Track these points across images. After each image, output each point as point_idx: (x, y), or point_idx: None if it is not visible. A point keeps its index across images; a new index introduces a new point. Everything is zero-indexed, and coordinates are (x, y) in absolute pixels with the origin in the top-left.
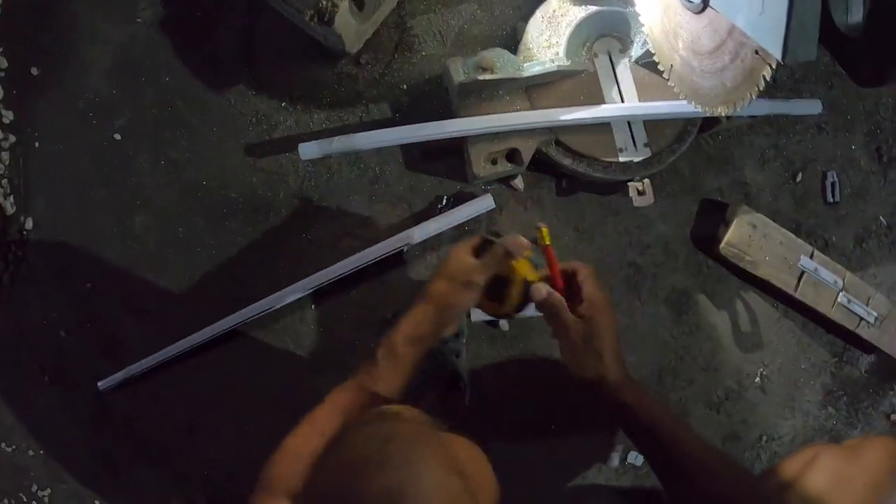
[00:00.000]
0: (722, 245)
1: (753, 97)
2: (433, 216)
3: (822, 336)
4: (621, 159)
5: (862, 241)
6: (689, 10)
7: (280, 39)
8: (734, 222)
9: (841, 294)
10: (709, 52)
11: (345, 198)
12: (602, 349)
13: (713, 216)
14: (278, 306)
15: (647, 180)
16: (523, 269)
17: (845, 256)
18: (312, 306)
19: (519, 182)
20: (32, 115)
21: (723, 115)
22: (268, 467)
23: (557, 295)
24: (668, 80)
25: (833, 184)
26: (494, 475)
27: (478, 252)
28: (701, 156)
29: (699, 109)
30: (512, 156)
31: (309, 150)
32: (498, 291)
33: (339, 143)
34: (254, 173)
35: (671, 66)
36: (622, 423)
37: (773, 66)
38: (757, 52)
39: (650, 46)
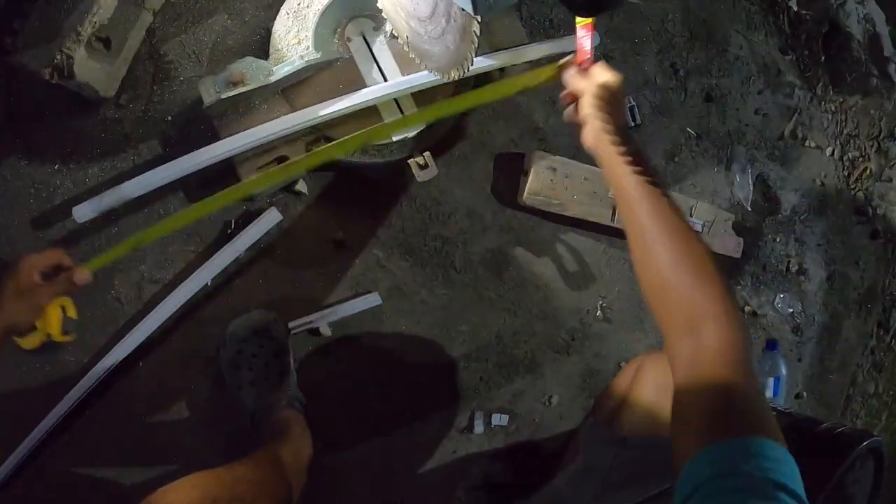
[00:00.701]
0: (525, 195)
1: (473, 55)
2: (227, 243)
3: None
4: (395, 138)
5: (674, 155)
6: None
7: (40, 100)
8: (532, 170)
9: None
10: (428, 17)
11: (137, 246)
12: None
13: (512, 168)
14: (101, 378)
15: (427, 153)
16: (53, 317)
17: (660, 174)
18: (140, 363)
19: (302, 186)
20: None
21: (455, 78)
22: None
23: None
24: (407, 51)
25: (631, 107)
26: None
27: (46, 273)
28: (486, 112)
29: (437, 76)
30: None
31: (82, 212)
32: None
33: (110, 198)
34: (46, 246)
35: (406, 36)
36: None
37: (480, 21)
38: (463, 10)
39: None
